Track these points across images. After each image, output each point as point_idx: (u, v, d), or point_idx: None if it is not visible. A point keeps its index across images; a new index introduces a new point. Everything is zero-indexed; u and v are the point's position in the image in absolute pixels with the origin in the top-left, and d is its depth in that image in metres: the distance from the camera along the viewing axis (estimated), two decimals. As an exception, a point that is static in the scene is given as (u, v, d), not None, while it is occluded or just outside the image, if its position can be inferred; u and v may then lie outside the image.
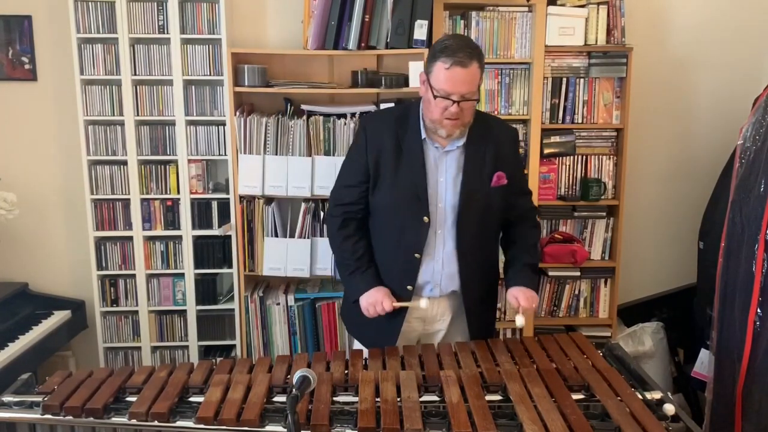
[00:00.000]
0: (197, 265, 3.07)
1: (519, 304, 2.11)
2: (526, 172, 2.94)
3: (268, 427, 1.71)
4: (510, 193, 2.19)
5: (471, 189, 2.11)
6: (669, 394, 2.05)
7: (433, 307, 2.22)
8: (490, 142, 2.14)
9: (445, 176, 2.12)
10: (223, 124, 2.98)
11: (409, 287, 2.16)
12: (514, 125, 3.02)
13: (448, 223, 2.13)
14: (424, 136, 2.11)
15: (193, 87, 2.97)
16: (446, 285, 2.19)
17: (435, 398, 1.82)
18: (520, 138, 3.05)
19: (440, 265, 2.16)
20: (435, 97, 1.99)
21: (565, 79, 3.03)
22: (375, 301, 2.12)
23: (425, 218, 2.11)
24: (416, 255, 2.13)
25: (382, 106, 2.86)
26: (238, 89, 2.87)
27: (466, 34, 2.96)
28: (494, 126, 2.20)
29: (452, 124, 2.02)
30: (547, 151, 3.05)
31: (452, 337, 2.27)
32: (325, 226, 2.79)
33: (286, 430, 1.68)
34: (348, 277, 2.22)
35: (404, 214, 2.13)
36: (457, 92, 1.97)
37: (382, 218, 2.19)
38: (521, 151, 3.03)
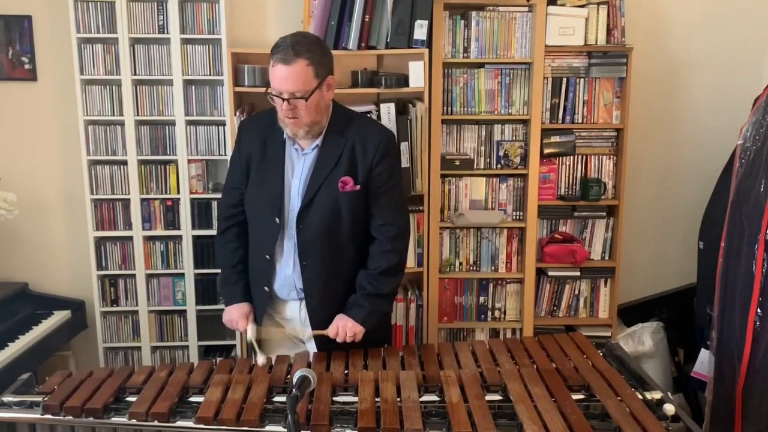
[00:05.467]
0: (197, 265, 3.07)
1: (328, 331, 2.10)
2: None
3: (268, 427, 1.72)
4: (369, 202, 2.13)
5: (316, 193, 2.08)
6: (669, 394, 2.05)
7: (300, 311, 2.21)
8: (348, 144, 2.08)
9: (299, 179, 2.11)
10: (223, 124, 2.98)
11: (266, 288, 2.18)
12: (514, 125, 3.06)
13: (295, 226, 2.11)
14: (286, 137, 2.11)
15: (193, 87, 2.97)
16: (300, 289, 2.17)
17: (435, 398, 1.82)
18: (520, 138, 3.07)
19: (291, 269, 2.15)
20: (268, 94, 2.01)
21: (565, 79, 3.03)
22: (231, 319, 2.18)
23: (276, 219, 2.11)
24: (267, 257, 2.14)
25: (382, 106, 2.86)
26: (238, 89, 2.87)
27: (465, 34, 2.97)
28: (360, 127, 2.13)
29: (292, 123, 2.02)
30: (547, 151, 3.05)
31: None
32: None
33: (286, 430, 1.68)
34: (222, 284, 2.28)
35: (261, 215, 2.15)
36: (284, 90, 1.96)
37: (249, 218, 2.21)
38: (523, 152, 3.04)
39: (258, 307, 2.22)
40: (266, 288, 2.19)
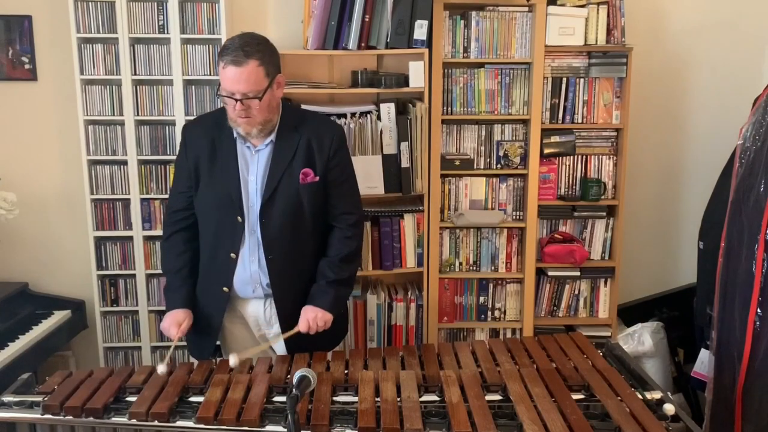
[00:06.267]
0: (197, 265, 3.07)
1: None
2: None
3: (268, 427, 1.72)
4: (326, 192, 2.18)
5: (276, 186, 2.11)
6: (669, 394, 2.05)
7: (265, 309, 2.22)
8: (303, 138, 2.13)
9: (255, 175, 2.13)
10: (223, 124, 2.97)
11: (225, 288, 2.18)
12: (514, 125, 3.06)
13: (258, 221, 2.13)
14: (236, 136, 2.13)
15: (193, 87, 2.97)
16: (267, 283, 2.18)
17: (435, 398, 1.82)
18: (520, 138, 3.07)
19: (257, 265, 2.16)
20: (220, 96, 2.02)
21: (565, 79, 3.03)
22: (166, 326, 2.15)
23: (239, 218, 2.13)
24: (232, 255, 2.15)
25: (382, 105, 2.86)
26: (238, 89, 2.87)
27: (465, 34, 2.97)
28: (310, 122, 2.20)
29: (245, 122, 2.04)
30: (547, 151, 3.05)
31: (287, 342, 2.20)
32: None
33: (286, 430, 1.68)
34: (164, 290, 2.26)
35: (220, 214, 2.15)
36: (237, 90, 1.98)
37: (202, 220, 2.21)
38: (523, 152, 3.04)
39: (214, 309, 2.21)
40: (225, 288, 2.18)
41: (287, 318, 2.18)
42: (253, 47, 1.98)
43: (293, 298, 2.19)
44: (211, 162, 2.15)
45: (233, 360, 1.94)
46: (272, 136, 2.13)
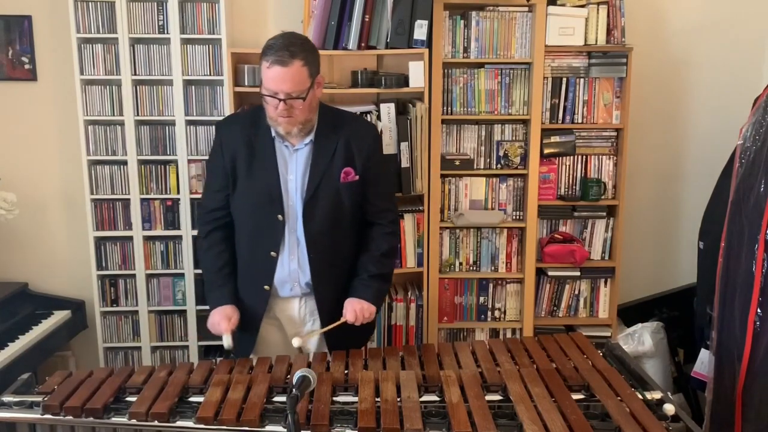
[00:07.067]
0: (197, 265, 3.06)
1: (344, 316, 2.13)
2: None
3: (268, 427, 1.72)
4: (365, 191, 2.20)
5: (318, 185, 2.13)
6: (669, 394, 2.05)
7: (300, 307, 2.25)
8: (341, 138, 2.15)
9: (294, 174, 2.15)
10: (223, 124, 2.97)
11: (266, 287, 2.19)
12: (514, 125, 3.06)
13: (299, 220, 2.15)
14: (274, 135, 2.14)
15: (193, 87, 2.97)
16: (306, 282, 2.20)
17: (435, 398, 1.82)
18: (520, 138, 3.07)
19: (296, 264, 2.18)
20: (262, 96, 2.03)
21: (565, 79, 3.03)
22: (214, 322, 2.17)
23: (279, 216, 2.14)
24: (272, 254, 2.16)
25: (382, 105, 2.86)
26: (238, 89, 2.87)
27: (465, 34, 2.97)
28: (348, 122, 2.22)
29: (286, 121, 2.05)
30: (547, 151, 3.05)
31: (328, 337, 2.23)
32: None
33: (286, 430, 1.68)
34: (207, 288, 2.27)
35: (260, 213, 2.16)
36: (280, 90, 1.99)
37: (241, 219, 2.22)
38: (523, 152, 3.04)
39: (254, 307, 2.23)
40: (266, 287, 2.19)
41: (327, 314, 2.20)
42: (297, 47, 1.99)
43: (333, 295, 2.21)
44: (249, 161, 2.15)
45: (297, 342, 2.00)
46: (311, 136, 2.14)
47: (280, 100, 2.00)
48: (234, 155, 2.17)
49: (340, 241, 2.21)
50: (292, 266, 2.19)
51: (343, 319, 2.14)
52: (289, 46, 1.98)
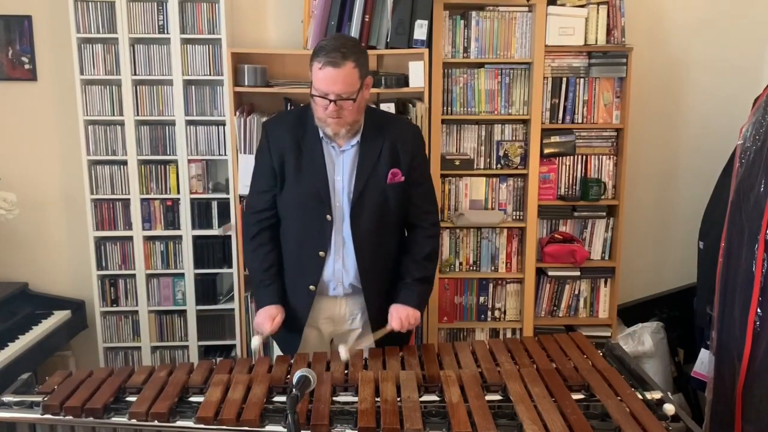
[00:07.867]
0: (197, 265, 3.07)
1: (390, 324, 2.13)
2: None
3: (268, 427, 1.71)
4: (409, 192, 2.21)
5: (365, 186, 2.13)
6: (669, 394, 2.05)
7: (340, 307, 2.25)
8: (387, 139, 2.16)
9: (341, 175, 2.15)
10: (223, 124, 2.98)
11: (311, 287, 2.19)
12: (514, 125, 3.06)
13: (346, 220, 2.15)
14: (321, 135, 2.14)
15: (193, 87, 2.97)
16: (349, 283, 2.21)
17: (435, 398, 1.82)
18: (520, 138, 3.07)
19: (341, 263, 2.19)
20: (313, 96, 2.03)
21: (565, 79, 3.03)
22: (259, 322, 2.18)
23: (328, 216, 2.15)
24: (320, 253, 2.17)
25: (382, 105, 2.86)
26: (238, 89, 2.87)
27: (465, 34, 2.97)
28: (393, 124, 2.22)
29: (335, 122, 2.05)
30: (547, 151, 3.05)
31: (367, 335, 2.23)
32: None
33: (286, 430, 1.68)
34: (255, 288, 2.28)
35: (308, 213, 2.16)
36: (331, 91, 1.99)
37: (288, 218, 2.22)
38: (523, 152, 3.04)
39: (300, 307, 2.23)
40: (312, 287, 2.20)
41: (374, 314, 2.21)
42: (349, 49, 1.99)
43: (379, 294, 2.22)
44: (297, 161, 2.15)
45: (344, 355, 1.99)
46: (357, 137, 2.15)
47: (330, 101, 2.00)
48: (282, 155, 2.16)
49: (385, 241, 2.22)
50: (337, 266, 2.19)
51: (389, 327, 2.14)
52: (341, 48, 1.98)
